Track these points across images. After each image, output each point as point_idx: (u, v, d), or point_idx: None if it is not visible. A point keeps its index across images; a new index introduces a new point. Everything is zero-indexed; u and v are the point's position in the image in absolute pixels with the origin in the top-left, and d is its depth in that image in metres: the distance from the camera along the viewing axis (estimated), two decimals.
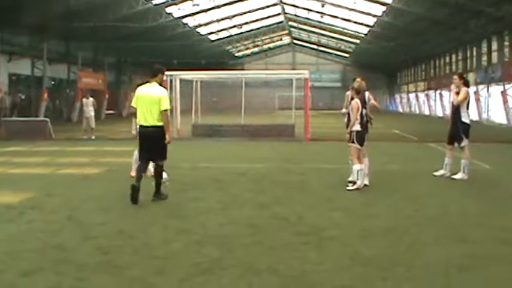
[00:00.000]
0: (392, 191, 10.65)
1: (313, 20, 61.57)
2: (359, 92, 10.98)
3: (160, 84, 9.94)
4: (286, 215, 8.48)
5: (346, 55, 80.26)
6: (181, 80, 25.43)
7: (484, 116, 40.38)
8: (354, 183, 10.79)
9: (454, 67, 51.06)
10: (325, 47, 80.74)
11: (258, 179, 12.35)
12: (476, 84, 42.01)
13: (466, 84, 12.21)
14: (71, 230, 7.57)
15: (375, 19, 50.54)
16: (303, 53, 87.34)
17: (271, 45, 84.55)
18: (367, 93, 11.34)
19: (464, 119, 12.04)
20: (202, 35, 60.43)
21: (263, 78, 51.99)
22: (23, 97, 42.67)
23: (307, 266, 5.97)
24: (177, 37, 53.01)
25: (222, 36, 66.38)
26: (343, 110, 11.57)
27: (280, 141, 22.52)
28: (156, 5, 43.02)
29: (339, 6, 50.15)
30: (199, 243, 6.85)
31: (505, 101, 35.66)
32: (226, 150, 19.49)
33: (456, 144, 12.18)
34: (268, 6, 58.04)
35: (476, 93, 41.25)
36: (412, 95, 67.50)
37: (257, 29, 68.37)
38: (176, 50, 55.97)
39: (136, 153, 12.54)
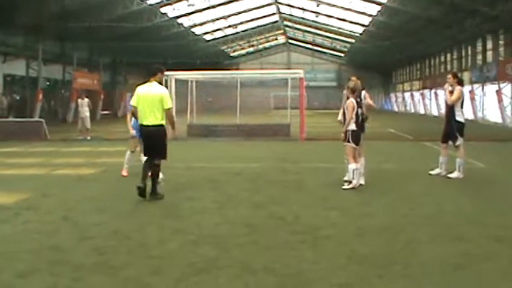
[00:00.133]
0: (388, 190, 10.67)
1: (308, 20, 61.56)
2: (354, 91, 10.97)
3: (160, 84, 10.03)
4: (282, 214, 8.49)
5: (341, 55, 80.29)
6: (176, 80, 25.40)
7: (479, 114, 40.43)
8: (350, 182, 10.80)
9: (449, 66, 51.10)
10: (320, 46, 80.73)
11: (253, 178, 12.36)
12: (471, 83, 42.06)
13: (460, 83, 12.25)
14: (67, 230, 7.56)
15: (370, 18, 50.55)
16: (298, 52, 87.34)
17: (266, 45, 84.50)
18: (363, 92, 11.35)
19: (459, 118, 12.07)
20: (197, 35, 60.36)
21: (258, 78, 52.04)
22: (17, 98, 42.60)
23: (303, 264, 5.97)
24: (172, 37, 52.95)
25: (217, 36, 66.27)
26: (339, 118, 11.46)
27: (275, 141, 22.52)
28: (151, 5, 42.93)
29: (334, 5, 50.13)
30: (195, 243, 6.85)
31: (500, 100, 35.71)
32: (221, 150, 19.49)
33: (451, 143, 12.21)
34: (263, 6, 57.99)
35: (471, 92, 41.31)
36: (407, 94, 67.55)
37: (252, 28, 68.33)
38: (171, 50, 55.93)
39: (128, 153, 12.60)
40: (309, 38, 76.11)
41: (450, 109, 12.15)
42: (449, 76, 12.35)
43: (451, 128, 12.11)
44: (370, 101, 11.62)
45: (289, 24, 70.09)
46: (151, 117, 9.68)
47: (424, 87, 58.17)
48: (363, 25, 54.68)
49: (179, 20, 51.82)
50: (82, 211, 8.84)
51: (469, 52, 45.42)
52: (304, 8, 56.02)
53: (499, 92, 35.87)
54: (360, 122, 11.07)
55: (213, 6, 51.33)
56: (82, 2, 36.48)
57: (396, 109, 73.21)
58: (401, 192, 10.47)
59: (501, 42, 37.77)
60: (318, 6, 51.28)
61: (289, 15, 63.35)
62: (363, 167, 11.15)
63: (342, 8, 50.20)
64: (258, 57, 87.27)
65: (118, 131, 27.18)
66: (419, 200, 9.68)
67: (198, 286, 5.37)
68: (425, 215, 8.42)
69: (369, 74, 70.54)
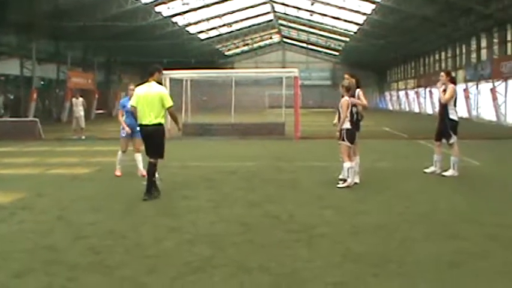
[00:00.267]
0: (383, 188, 10.69)
1: (303, 19, 61.55)
2: (349, 90, 10.98)
3: (159, 83, 10.15)
4: (277, 213, 8.50)
5: (336, 53, 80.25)
6: (171, 79, 25.37)
7: (474, 113, 40.50)
8: (345, 180, 10.81)
9: (443, 64, 51.15)
10: (314, 45, 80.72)
11: (248, 177, 12.37)
12: (466, 81, 42.13)
13: (453, 81, 12.28)
14: (62, 230, 7.55)
15: (364, 17, 50.55)
16: (293, 51, 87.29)
17: (261, 43, 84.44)
18: (357, 91, 11.32)
19: (452, 116, 12.10)
20: (191, 34, 60.29)
21: (253, 77, 52.11)
22: (12, 97, 42.49)
23: (298, 263, 5.98)
24: (166, 36, 52.87)
25: (211, 35, 66.21)
26: (335, 121, 11.41)
27: (270, 140, 22.54)
28: (145, 4, 42.85)
29: (329, 4, 50.13)
30: (191, 242, 6.85)
31: (495, 98, 35.78)
32: (216, 148, 19.49)
33: (444, 141, 12.24)
34: (257, 5, 57.95)
35: (465, 90, 41.39)
36: (402, 93, 67.60)
37: (247, 27, 68.28)
38: (166, 49, 55.84)
39: (119, 153, 12.63)
40: (304, 36, 76.10)
41: (443, 107, 12.18)
42: (442, 74, 12.39)
43: (445, 126, 12.14)
44: (357, 101, 11.33)
45: (284, 23, 70.06)
46: (151, 117, 9.79)
47: (418, 86, 58.23)
48: (357, 24, 54.69)
49: (174, 19, 51.74)
50: (77, 210, 8.84)
51: (464, 50, 45.48)
52: (299, 6, 55.99)
53: (493, 90, 35.95)
54: (355, 121, 11.08)
55: (208, 5, 51.27)
56: (76, 1, 36.41)
57: (391, 108, 73.27)
58: (396, 191, 10.49)
59: (495, 40, 37.83)
60: (312, 4, 51.27)
61: (284, 14, 63.32)
62: (357, 165, 11.18)
63: (336, 6, 50.20)
64: (252, 56, 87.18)
65: (112, 130, 27.09)
66: (414, 198, 9.70)
67: (193, 285, 5.38)
68: (420, 213, 8.44)
69: (364, 72, 70.36)
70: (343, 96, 10.97)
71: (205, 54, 68.47)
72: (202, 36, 64.20)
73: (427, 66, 58.05)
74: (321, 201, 9.45)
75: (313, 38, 75.02)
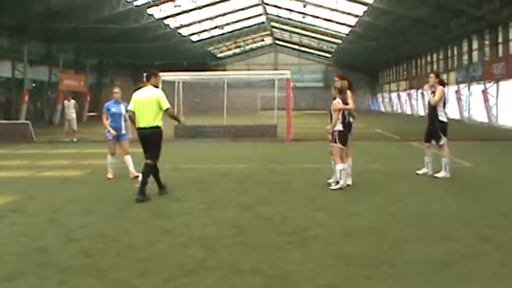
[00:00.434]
0: (375, 190, 10.69)
1: (295, 21, 61.70)
2: (341, 92, 10.98)
3: (156, 87, 10.39)
4: (270, 215, 8.49)
5: (328, 55, 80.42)
6: (163, 82, 25.26)
7: (466, 114, 40.65)
8: (337, 182, 10.81)
9: (435, 66, 51.33)
10: (307, 47, 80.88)
11: (241, 179, 12.36)
12: (458, 83, 42.33)
13: (442, 83, 12.32)
14: (53, 232, 7.52)
15: (356, 19, 50.70)
16: (285, 53, 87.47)
17: (253, 45, 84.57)
18: (347, 92, 11.27)
19: (442, 118, 12.15)
20: (183, 36, 60.30)
21: (245, 79, 51.98)
22: (3, 99, 42.34)
23: (291, 265, 5.97)
24: (158, 38, 52.85)
25: (203, 37, 66.26)
26: (328, 127, 11.36)
27: (262, 142, 22.54)
28: (137, 6, 42.84)
29: (321, 6, 50.24)
30: (183, 244, 6.84)
31: (486, 100, 35.92)
32: (209, 151, 19.46)
33: (434, 142, 12.28)
34: (250, 7, 58.02)
35: (457, 92, 41.54)
36: (394, 95, 67.79)
37: (239, 29, 68.38)
38: (158, 51, 55.81)
39: (109, 156, 12.67)
40: (296, 38, 76.26)
41: (433, 109, 12.23)
42: (432, 76, 12.45)
43: (435, 128, 12.19)
44: (345, 106, 11.09)
45: (276, 25, 70.17)
46: (148, 120, 10.02)
47: (410, 88, 58.40)
48: (349, 26, 54.85)
49: (166, 21, 51.77)
50: (68, 213, 8.80)
51: (455, 52, 45.67)
52: (291, 8, 56.11)
53: (484, 92, 36.09)
54: (347, 123, 11.07)
55: (200, 7, 51.30)
56: (68, 3, 36.33)
57: (383, 109, 73.46)
58: (388, 192, 10.50)
59: (486, 42, 38.01)
60: (304, 7, 51.41)
61: (276, 16, 63.43)
62: (350, 167, 11.18)
63: (328, 8, 50.32)
64: (244, 58, 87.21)
65: (104, 132, 26.98)
66: (407, 200, 9.71)
67: (186, 287, 5.36)
68: (412, 214, 8.45)
69: (356, 74, 70.65)
70: (335, 98, 10.97)
71: (198, 57, 68.46)
72: (194, 38, 64.23)
73: (419, 68, 58.23)
74: (314, 203, 9.45)
75: (305, 40, 75.19)
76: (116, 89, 12.88)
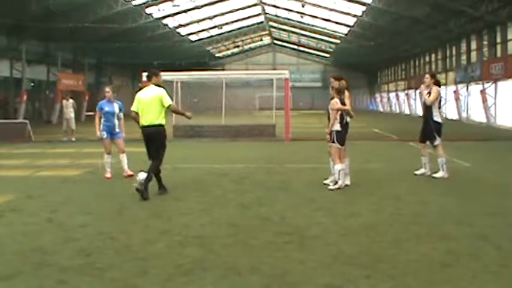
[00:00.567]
0: (373, 190, 10.69)
1: (294, 20, 61.68)
2: (339, 92, 10.97)
3: (159, 86, 10.56)
4: (268, 215, 8.49)
5: (327, 55, 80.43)
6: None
7: (464, 114, 40.66)
8: (336, 182, 10.81)
9: (434, 66, 51.35)
10: (305, 47, 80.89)
11: (239, 179, 12.35)
12: (456, 83, 42.34)
13: (437, 83, 12.33)
14: (52, 232, 7.51)
15: (354, 19, 50.70)
16: (284, 53, 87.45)
17: (252, 45, 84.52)
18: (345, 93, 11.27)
19: (436, 118, 12.16)
20: (182, 35, 60.25)
21: (244, 79, 51.95)
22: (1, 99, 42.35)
23: (289, 265, 5.97)
24: (157, 38, 52.81)
25: (202, 37, 66.22)
26: (328, 131, 11.34)
27: (261, 142, 22.54)
28: (136, 5, 42.80)
29: (319, 6, 50.23)
30: (182, 244, 6.83)
31: (484, 100, 35.93)
32: (207, 151, 19.46)
33: (429, 143, 12.31)
34: (248, 7, 57.99)
35: (456, 92, 41.55)
36: (392, 94, 67.75)
37: (237, 29, 68.36)
38: (156, 51, 55.80)
39: (105, 156, 12.68)
40: (294, 38, 76.26)
41: (428, 109, 12.25)
42: (427, 76, 12.47)
43: (430, 129, 12.21)
44: (341, 106, 11.08)
45: (275, 24, 70.15)
46: (151, 118, 10.25)
47: (409, 88, 58.37)
48: (348, 25, 54.85)
49: (164, 21, 51.72)
50: (67, 213, 8.78)
51: (454, 52, 45.67)
52: (290, 8, 56.10)
53: (483, 92, 36.10)
54: (345, 123, 11.06)
55: (198, 7, 51.27)
56: (66, 2, 36.27)
57: (381, 109, 73.43)
58: (387, 192, 10.49)
59: (485, 42, 38.02)
60: (303, 6, 51.36)
61: (275, 15, 63.43)
62: (347, 167, 11.17)
63: (326, 8, 50.31)
64: (243, 58, 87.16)
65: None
66: (405, 200, 9.71)
67: (184, 287, 5.35)
68: (411, 214, 8.45)
69: (354, 74, 70.73)
70: (332, 98, 10.96)
71: (196, 56, 68.47)
72: (192, 38, 64.19)
73: (418, 68, 58.23)
74: (312, 203, 9.44)
75: (303, 40, 75.19)
76: (107, 89, 12.94)
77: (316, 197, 9.99)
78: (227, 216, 8.40)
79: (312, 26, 61.10)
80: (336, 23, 55.37)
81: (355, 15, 49.24)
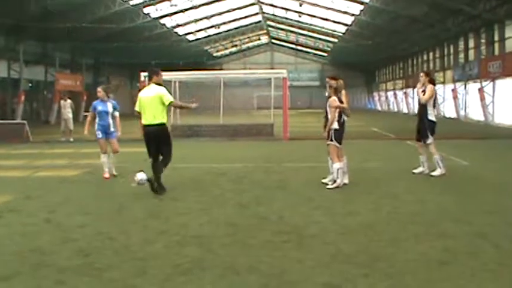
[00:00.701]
0: (371, 189, 10.70)
1: (291, 20, 61.66)
2: (337, 91, 10.97)
3: (159, 84, 10.62)
4: (267, 214, 8.49)
5: (325, 54, 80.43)
6: None
7: (462, 113, 40.69)
8: (334, 181, 10.82)
9: (431, 65, 51.36)
10: (303, 46, 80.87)
11: (237, 178, 12.35)
12: (454, 81, 42.37)
13: (432, 81, 12.36)
14: (50, 232, 7.50)
15: (352, 18, 50.68)
16: (281, 52, 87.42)
17: (250, 45, 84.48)
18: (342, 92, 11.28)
19: (430, 117, 12.21)
20: (180, 35, 60.20)
21: (242, 78, 51.98)
22: None
23: (288, 264, 5.97)
24: (154, 38, 52.76)
25: (200, 37, 66.15)
26: (325, 134, 11.32)
27: (259, 141, 22.54)
28: (133, 5, 42.76)
29: (317, 5, 50.21)
30: (180, 244, 6.83)
31: (482, 98, 35.96)
32: (205, 150, 19.46)
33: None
34: (246, 6, 57.96)
35: (454, 90, 41.59)
36: (390, 93, 67.77)
37: (235, 28, 68.31)
38: (154, 50, 55.74)
39: (102, 155, 12.69)
40: (292, 37, 76.22)
41: (423, 107, 12.28)
42: (422, 75, 12.51)
43: (424, 127, 12.24)
44: (338, 104, 11.06)
45: (272, 24, 70.12)
46: (153, 117, 10.34)
47: (407, 86, 58.36)
48: (345, 24, 54.81)
49: (162, 21, 51.67)
50: (65, 213, 8.78)
51: (452, 51, 45.69)
52: (287, 7, 56.07)
53: (481, 90, 36.13)
54: (342, 122, 11.07)
55: (196, 7, 51.23)
56: (64, 2, 36.23)
57: (379, 108, 73.46)
58: (385, 191, 10.50)
59: (483, 40, 38.03)
60: (300, 6, 51.35)
61: (272, 15, 63.38)
62: (345, 166, 11.18)
63: (324, 7, 50.29)
64: (241, 57, 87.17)
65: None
66: (403, 198, 9.72)
67: (183, 287, 5.35)
68: (409, 212, 8.46)
69: (352, 73, 70.86)
70: (330, 97, 10.96)
71: (194, 56, 68.36)
72: (190, 37, 64.12)
73: (416, 66, 58.21)
74: (310, 202, 9.44)
75: (301, 39, 75.16)
76: (99, 89, 12.98)
77: (314, 196, 10.00)
78: (225, 216, 8.40)
79: (310, 25, 61.08)
80: (334, 22, 55.34)
81: (353, 14, 49.20)
